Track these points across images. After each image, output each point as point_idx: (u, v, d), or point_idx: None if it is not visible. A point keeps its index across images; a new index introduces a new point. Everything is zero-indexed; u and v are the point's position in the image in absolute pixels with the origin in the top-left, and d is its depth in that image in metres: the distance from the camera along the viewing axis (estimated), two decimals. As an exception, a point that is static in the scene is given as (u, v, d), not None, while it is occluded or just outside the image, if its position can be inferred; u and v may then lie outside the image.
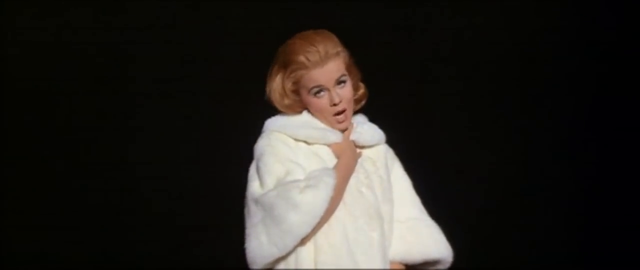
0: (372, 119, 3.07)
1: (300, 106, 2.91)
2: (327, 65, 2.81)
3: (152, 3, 4.53)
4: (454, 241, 3.00)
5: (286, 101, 2.90)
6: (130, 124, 4.61)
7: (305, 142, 2.88)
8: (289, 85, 2.86)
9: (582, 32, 4.67)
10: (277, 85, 2.89)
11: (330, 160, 2.87)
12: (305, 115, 2.92)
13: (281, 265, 2.76)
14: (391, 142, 3.08)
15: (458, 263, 3.02)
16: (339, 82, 2.84)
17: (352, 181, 2.85)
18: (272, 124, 2.92)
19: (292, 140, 2.87)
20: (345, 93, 2.86)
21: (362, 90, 2.99)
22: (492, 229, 4.60)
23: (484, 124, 4.65)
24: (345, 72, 2.86)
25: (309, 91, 2.84)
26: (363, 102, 3.01)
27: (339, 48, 2.85)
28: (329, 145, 2.90)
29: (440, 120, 4.64)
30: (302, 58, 2.80)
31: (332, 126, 2.89)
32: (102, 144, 4.61)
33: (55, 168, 4.59)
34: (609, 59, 4.65)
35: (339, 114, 2.87)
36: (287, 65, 2.84)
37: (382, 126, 3.07)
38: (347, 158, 2.87)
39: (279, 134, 2.88)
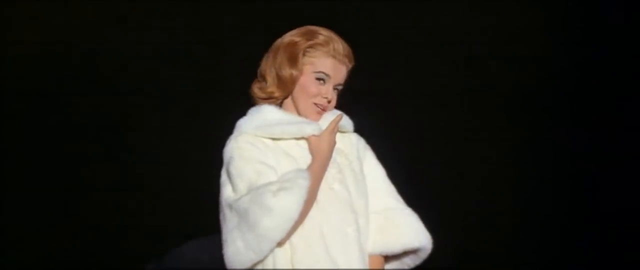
0: (362, 114, 3.08)
1: (291, 83, 2.86)
2: (341, 66, 2.88)
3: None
4: (444, 240, 2.99)
5: (288, 70, 2.85)
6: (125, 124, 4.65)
7: (274, 140, 2.85)
8: (302, 56, 2.84)
9: (580, 30, 4.64)
10: (294, 46, 2.85)
11: (302, 157, 2.84)
12: (276, 112, 2.89)
13: (259, 266, 2.74)
14: (382, 138, 3.09)
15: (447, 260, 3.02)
16: (337, 86, 2.89)
17: (324, 177, 2.82)
18: (244, 124, 2.89)
19: (259, 141, 2.84)
20: (334, 98, 2.91)
21: None
22: (484, 227, 4.62)
23: (478, 122, 4.65)
24: (342, 85, 2.91)
25: (315, 72, 2.85)
26: None
27: (351, 65, 2.92)
28: (306, 138, 2.87)
29: (438, 118, 4.64)
30: (329, 41, 2.85)
31: (309, 113, 2.88)
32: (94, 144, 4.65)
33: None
34: (607, 58, 4.62)
35: (320, 105, 2.88)
36: (312, 37, 2.86)
37: (373, 122, 3.08)
38: (322, 157, 2.84)
39: (246, 135, 2.84)
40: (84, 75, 4.62)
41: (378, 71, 4.32)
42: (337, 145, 2.92)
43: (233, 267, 2.71)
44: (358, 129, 3.03)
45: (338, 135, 2.95)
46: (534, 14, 4.65)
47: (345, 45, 2.88)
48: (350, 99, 2.99)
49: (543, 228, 4.65)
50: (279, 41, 2.91)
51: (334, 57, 2.85)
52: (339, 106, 2.97)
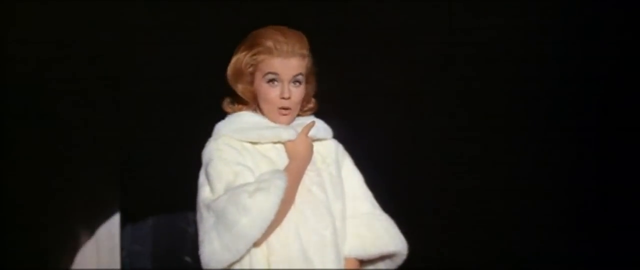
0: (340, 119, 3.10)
1: (250, 94, 2.91)
2: (290, 59, 2.85)
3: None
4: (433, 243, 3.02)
5: (239, 85, 2.90)
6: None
7: (253, 143, 2.89)
8: (247, 66, 2.87)
9: (579, 30, 4.66)
10: (236, 62, 2.90)
11: (280, 160, 2.88)
12: (253, 115, 2.93)
13: (236, 266, 2.77)
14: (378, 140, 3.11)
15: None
16: (295, 80, 2.88)
17: (302, 179, 2.86)
18: (223, 128, 2.93)
19: (239, 143, 2.88)
20: (297, 93, 2.89)
21: (312, 105, 3.02)
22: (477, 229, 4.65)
23: (456, 127, 4.68)
24: (303, 74, 2.90)
25: (264, 76, 2.86)
26: (310, 113, 3.03)
27: (306, 52, 2.90)
28: (283, 143, 2.90)
29: (436, 119, 4.67)
30: (269, 43, 2.84)
31: (275, 118, 2.91)
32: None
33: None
34: (607, 58, 4.62)
35: (284, 108, 2.90)
36: (253, 46, 2.87)
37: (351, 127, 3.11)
38: (300, 159, 2.88)
39: (225, 137, 2.88)
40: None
41: (358, 75, 4.34)
42: (316, 149, 2.95)
43: (209, 268, 2.74)
44: (336, 135, 3.05)
45: (317, 142, 2.98)
46: (527, 13, 4.66)
47: (292, 37, 2.87)
48: (328, 105, 3.03)
49: (523, 233, 4.67)
50: (231, 61, 2.94)
51: (278, 55, 2.85)
52: (319, 113, 3.01)
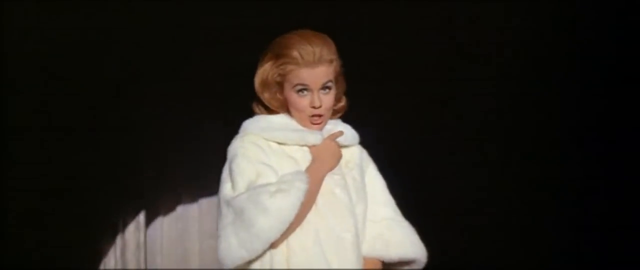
0: (365, 120, 3.11)
1: (277, 103, 2.93)
2: (317, 68, 2.85)
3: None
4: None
5: (266, 94, 2.92)
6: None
7: (279, 143, 2.90)
8: (275, 76, 2.88)
9: (582, 31, 4.59)
10: (263, 72, 2.90)
11: (305, 162, 2.88)
12: (282, 117, 2.94)
13: (256, 265, 2.79)
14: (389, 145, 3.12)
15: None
16: (324, 87, 2.88)
17: (326, 182, 2.87)
18: (249, 125, 2.95)
19: (264, 142, 2.89)
20: (327, 100, 2.90)
21: (342, 103, 3.02)
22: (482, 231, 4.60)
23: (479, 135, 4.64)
24: (332, 80, 2.90)
25: (293, 87, 2.87)
26: (340, 114, 3.04)
27: (334, 56, 2.89)
28: (308, 147, 2.91)
29: (438, 121, 4.64)
30: (296, 53, 2.83)
31: (307, 125, 2.91)
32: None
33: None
34: (612, 59, 4.55)
35: (315, 116, 2.91)
36: (279, 56, 2.86)
37: (376, 128, 3.11)
38: (322, 161, 2.88)
39: (252, 135, 2.90)
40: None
41: (376, 78, 4.32)
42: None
43: (224, 263, 2.77)
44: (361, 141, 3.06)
45: (343, 148, 2.99)
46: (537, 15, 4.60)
47: (317, 43, 2.85)
48: (358, 111, 3.05)
49: (541, 243, 4.60)
50: (258, 69, 2.94)
51: (306, 66, 2.84)
52: (346, 119, 3.03)
